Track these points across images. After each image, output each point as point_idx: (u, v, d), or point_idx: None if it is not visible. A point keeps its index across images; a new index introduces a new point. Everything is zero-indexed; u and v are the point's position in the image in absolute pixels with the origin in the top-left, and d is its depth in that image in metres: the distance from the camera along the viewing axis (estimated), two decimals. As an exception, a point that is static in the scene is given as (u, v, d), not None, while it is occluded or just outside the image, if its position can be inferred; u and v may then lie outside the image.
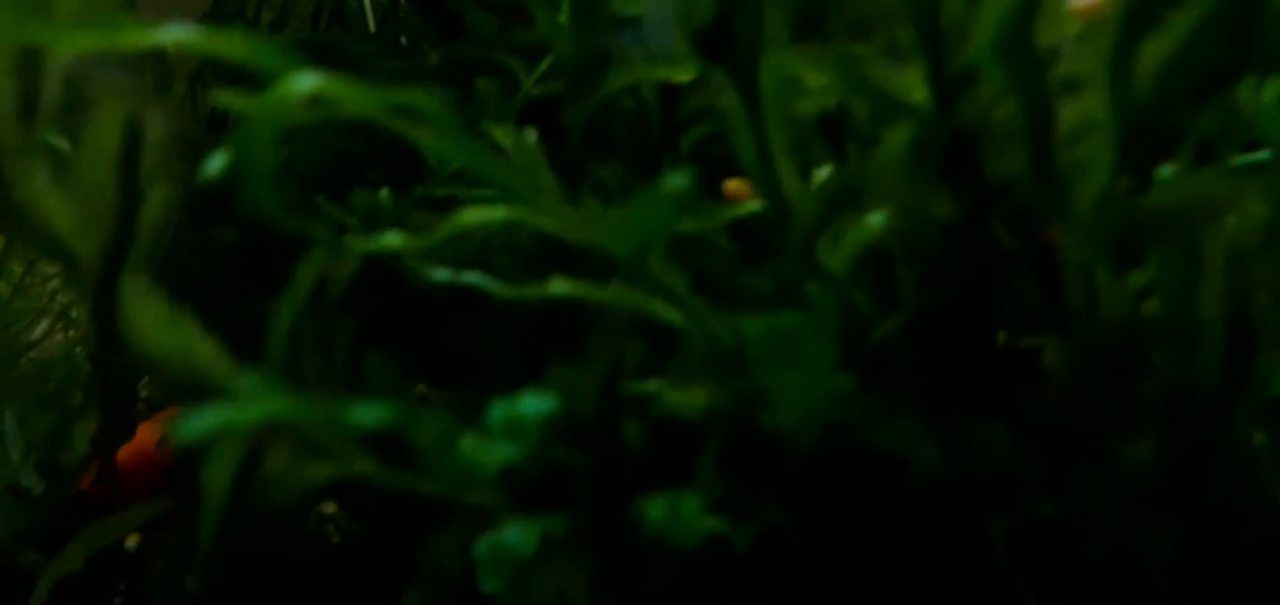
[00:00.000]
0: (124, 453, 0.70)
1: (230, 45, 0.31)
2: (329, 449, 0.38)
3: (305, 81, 0.30)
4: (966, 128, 0.35)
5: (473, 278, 0.43)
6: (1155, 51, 0.27)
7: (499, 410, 0.32)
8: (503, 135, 0.52)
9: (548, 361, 0.46)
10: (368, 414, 0.28)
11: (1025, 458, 0.34)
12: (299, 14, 1.15)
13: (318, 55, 0.90)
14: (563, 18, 0.53)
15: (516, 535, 0.36)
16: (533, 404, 0.32)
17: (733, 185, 0.44)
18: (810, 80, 0.41)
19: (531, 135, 0.53)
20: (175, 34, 0.30)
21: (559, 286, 0.41)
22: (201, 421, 0.26)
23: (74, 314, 0.82)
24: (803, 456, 0.36)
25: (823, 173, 0.49)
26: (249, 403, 0.27)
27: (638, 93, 0.52)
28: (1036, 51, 0.31)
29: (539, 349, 0.58)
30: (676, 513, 0.32)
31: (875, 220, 0.39)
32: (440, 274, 0.43)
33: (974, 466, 0.34)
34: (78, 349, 0.77)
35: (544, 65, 0.57)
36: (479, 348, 0.61)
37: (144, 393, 0.71)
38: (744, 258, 0.52)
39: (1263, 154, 0.44)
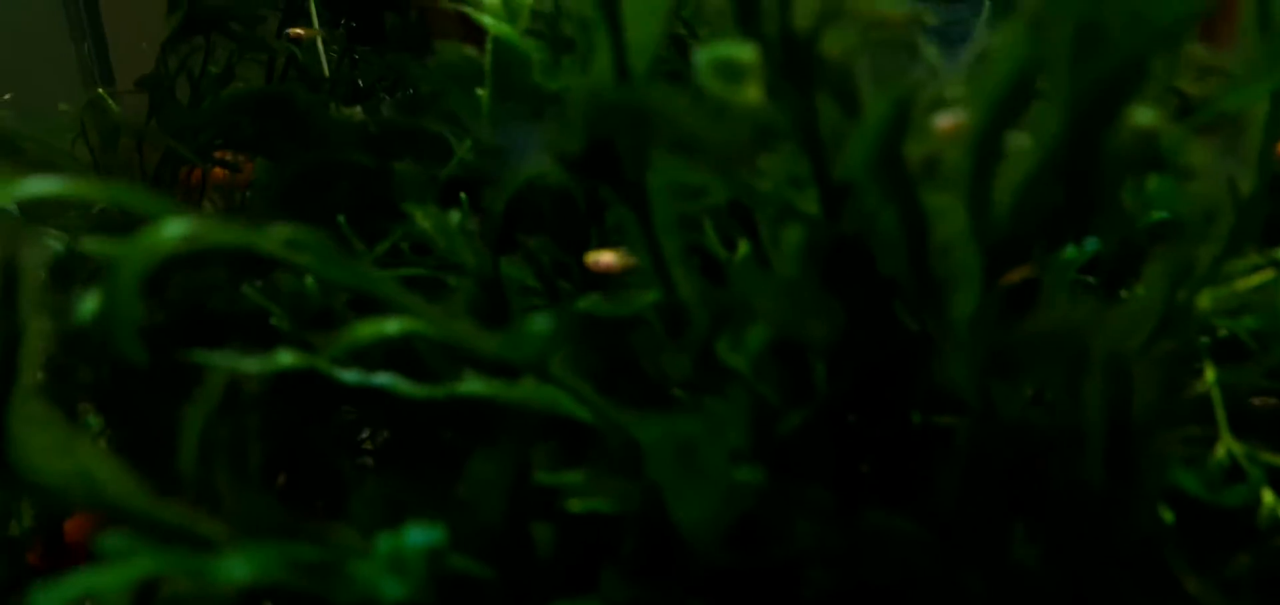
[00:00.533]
0: (71, 525, 0.70)
1: (99, 192, 0.31)
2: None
3: (175, 228, 0.30)
4: (852, 233, 0.35)
5: (382, 379, 0.43)
6: (1007, 185, 0.27)
7: (383, 542, 0.32)
8: (423, 217, 0.52)
9: (483, 431, 0.46)
10: (238, 568, 0.28)
11: (922, 560, 0.35)
12: (255, 57, 1.15)
13: (265, 108, 0.89)
14: (483, 94, 0.53)
15: None
16: (418, 535, 0.32)
17: (593, 257, 0.44)
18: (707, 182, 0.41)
19: (454, 216, 0.53)
20: (41, 186, 0.30)
21: (470, 385, 0.41)
22: (57, 595, 0.26)
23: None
24: (706, 560, 0.37)
25: (745, 247, 0.49)
26: (111, 568, 0.27)
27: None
28: (906, 168, 0.31)
29: (474, 420, 0.58)
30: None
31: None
32: (349, 376, 0.43)
33: (871, 575, 0.34)
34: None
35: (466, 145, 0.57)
36: (416, 418, 0.61)
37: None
38: (670, 330, 0.52)
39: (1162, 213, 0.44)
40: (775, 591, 0.40)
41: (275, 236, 0.32)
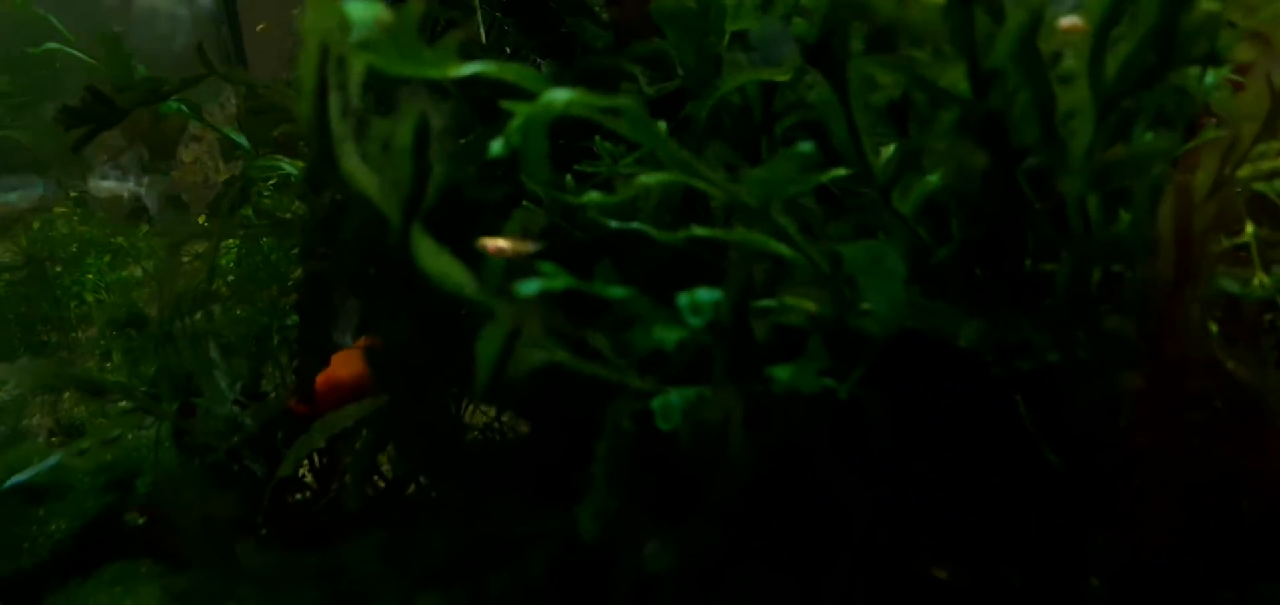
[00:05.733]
0: (321, 379, 0.89)
1: (508, 73, 0.48)
2: (542, 344, 0.55)
3: (562, 95, 0.47)
4: (995, 110, 0.51)
5: (636, 224, 0.60)
6: (1116, 56, 0.42)
7: (684, 298, 0.48)
8: (630, 126, 0.69)
9: (664, 295, 0.62)
10: (617, 291, 0.45)
11: (1040, 332, 0.50)
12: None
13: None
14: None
15: (678, 397, 0.53)
16: (706, 294, 0.48)
17: (493, 242, 0.54)
18: (881, 79, 0.57)
19: (662, 125, 0.70)
20: (472, 67, 0.47)
21: (699, 231, 0.57)
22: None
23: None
24: (883, 341, 0.52)
25: (889, 149, 0.65)
26: (539, 279, 0.44)
27: (743, 90, 0.68)
28: (1041, 57, 0.47)
29: (656, 287, 0.74)
30: (803, 371, 0.48)
31: (933, 177, 0.55)
32: (614, 223, 0.60)
33: (1002, 336, 0.49)
34: (282, 301, 0.95)
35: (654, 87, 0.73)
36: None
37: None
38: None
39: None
40: (922, 369, 0.55)
41: (611, 101, 0.49)
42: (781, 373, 0.50)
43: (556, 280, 0.45)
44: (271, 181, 1.37)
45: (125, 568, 0.74)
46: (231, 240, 1.31)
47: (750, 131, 0.71)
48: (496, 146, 0.49)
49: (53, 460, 0.77)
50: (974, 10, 0.48)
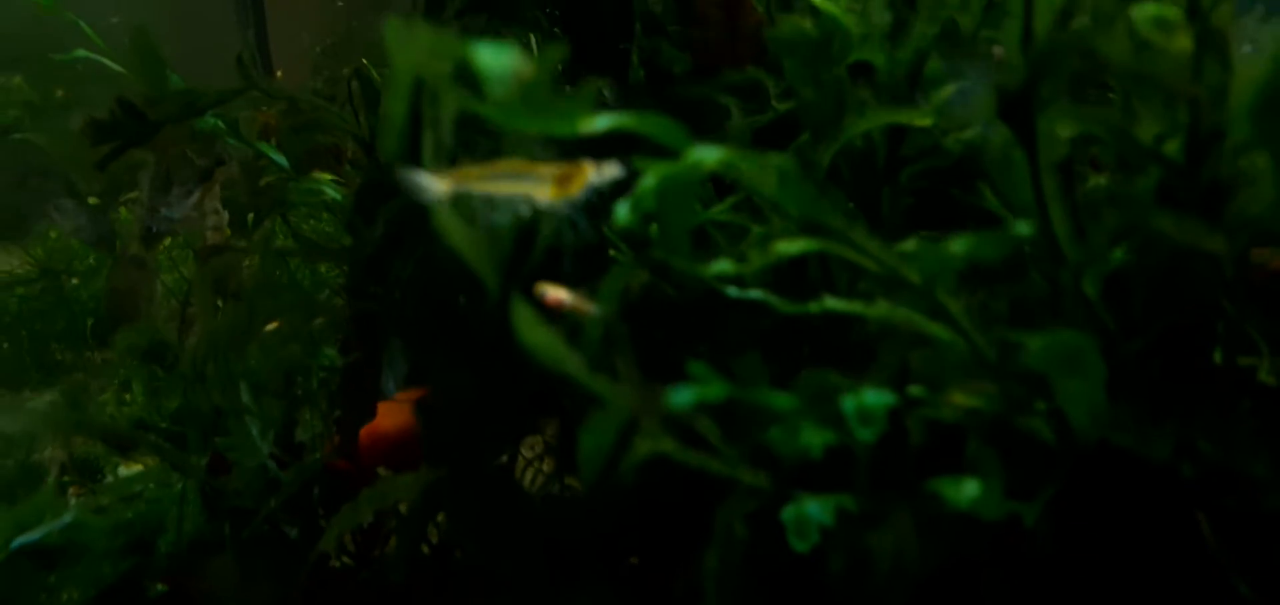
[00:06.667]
0: (364, 431, 0.80)
1: (649, 126, 0.39)
2: (650, 432, 0.46)
3: (711, 153, 0.38)
4: (1221, 179, 0.42)
5: (755, 293, 0.51)
6: None
7: (849, 402, 0.39)
8: (743, 161, 0.60)
9: (783, 363, 0.53)
10: (780, 400, 0.36)
11: (1259, 459, 0.41)
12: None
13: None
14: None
15: (816, 508, 0.44)
16: (875, 396, 0.39)
17: (553, 292, 0.46)
18: (1060, 132, 0.48)
19: (774, 159, 0.61)
20: (607, 121, 0.39)
21: (834, 304, 0.49)
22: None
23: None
24: (1076, 451, 0.44)
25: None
26: (696, 386, 0.35)
27: (868, 134, 0.60)
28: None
29: (773, 354, 0.66)
30: (989, 491, 0.40)
31: (1117, 254, 0.46)
32: (733, 291, 0.51)
33: (1208, 455, 0.40)
34: (320, 342, 0.87)
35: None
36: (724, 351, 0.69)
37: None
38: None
39: None
40: (1107, 486, 0.47)
41: (757, 163, 0.40)
42: (960, 492, 0.41)
43: (712, 389, 0.37)
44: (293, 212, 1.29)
45: (145, 648, 0.65)
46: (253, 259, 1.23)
47: (871, 179, 0.63)
48: (624, 214, 0.41)
49: (66, 518, 0.69)
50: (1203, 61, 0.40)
